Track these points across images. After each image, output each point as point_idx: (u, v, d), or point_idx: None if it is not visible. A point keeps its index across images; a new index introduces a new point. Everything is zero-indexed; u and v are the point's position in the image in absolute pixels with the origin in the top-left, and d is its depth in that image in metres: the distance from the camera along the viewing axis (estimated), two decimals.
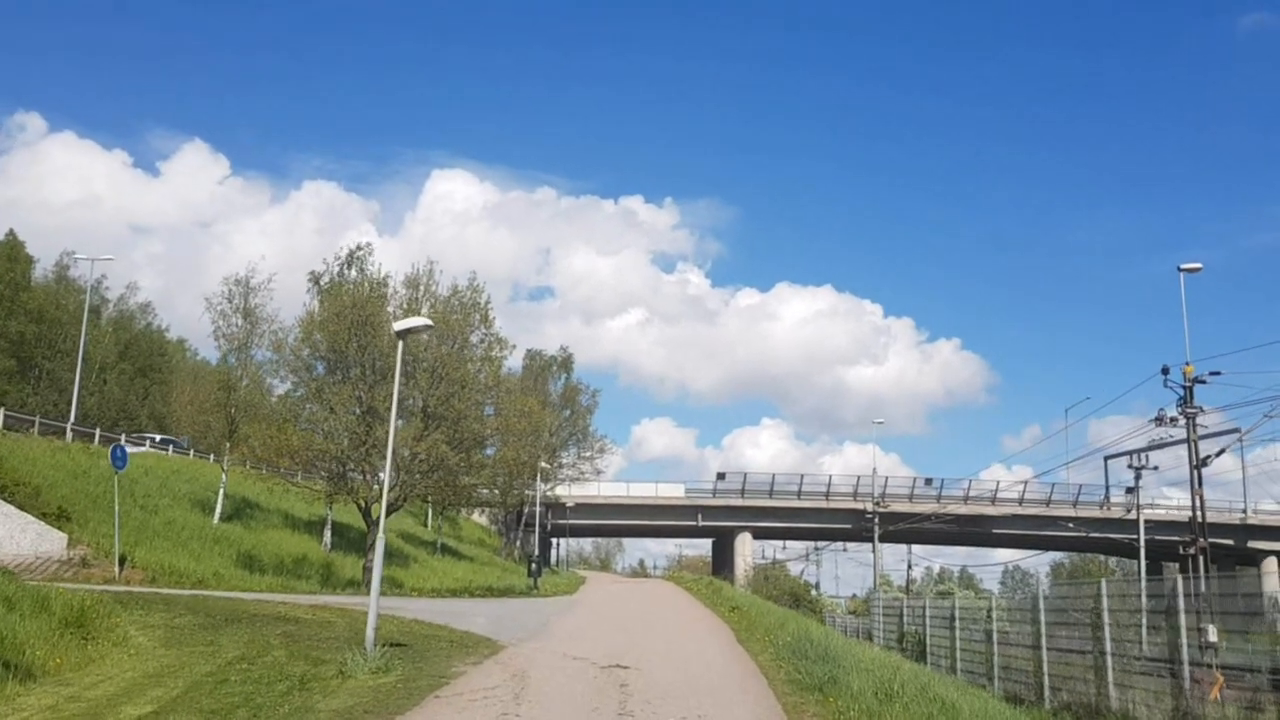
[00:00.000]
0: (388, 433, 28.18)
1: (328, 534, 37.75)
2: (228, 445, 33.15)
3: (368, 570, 28.95)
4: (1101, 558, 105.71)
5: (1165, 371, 28.80)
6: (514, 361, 66.29)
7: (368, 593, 29.23)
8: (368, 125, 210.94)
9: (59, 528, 26.93)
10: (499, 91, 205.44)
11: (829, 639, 17.24)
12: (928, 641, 25.97)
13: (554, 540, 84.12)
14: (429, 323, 14.05)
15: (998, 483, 74.94)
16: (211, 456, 38.76)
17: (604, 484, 71.16)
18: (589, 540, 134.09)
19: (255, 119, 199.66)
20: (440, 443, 27.48)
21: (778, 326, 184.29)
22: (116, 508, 25.59)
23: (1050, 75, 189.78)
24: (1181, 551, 29.98)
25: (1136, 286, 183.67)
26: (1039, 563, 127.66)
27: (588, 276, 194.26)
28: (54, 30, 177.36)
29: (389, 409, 28.75)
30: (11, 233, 71.36)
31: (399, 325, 14.08)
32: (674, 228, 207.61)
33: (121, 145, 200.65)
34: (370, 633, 13.82)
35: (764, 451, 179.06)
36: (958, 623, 23.69)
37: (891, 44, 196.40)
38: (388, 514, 30.55)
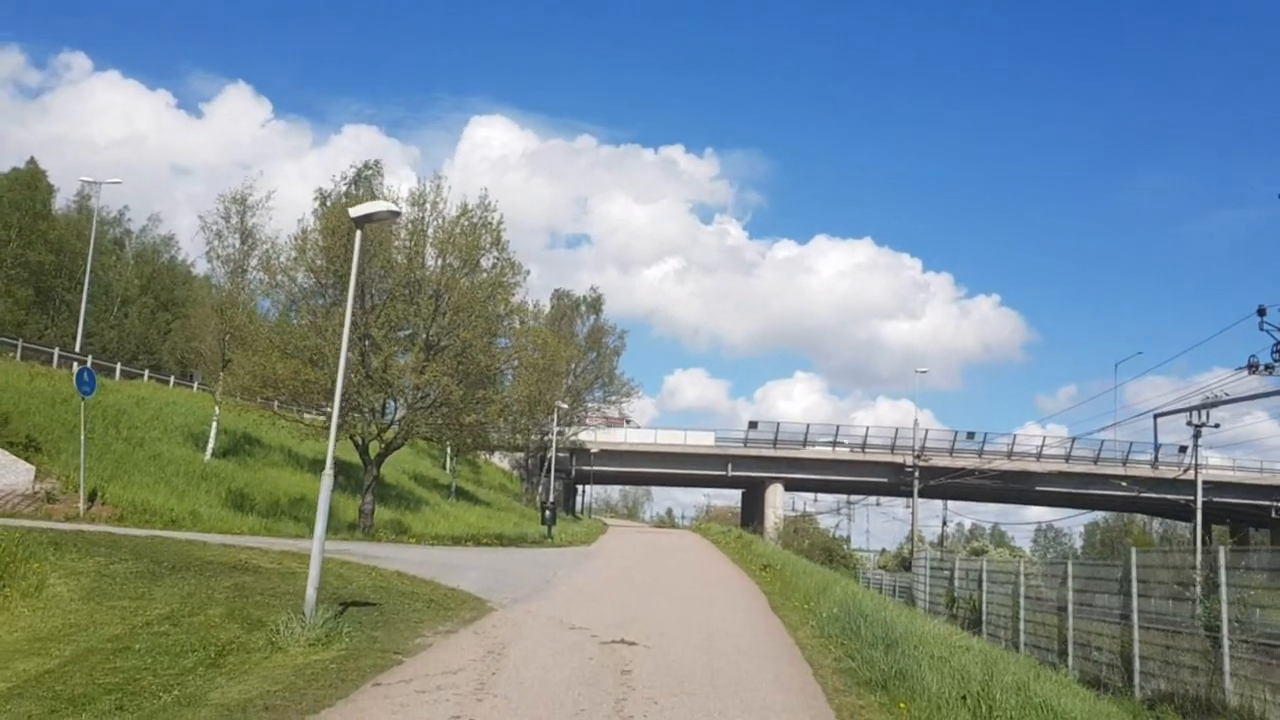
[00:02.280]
0: (385, 363, 25.64)
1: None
2: (221, 375, 30.54)
3: (363, 514, 26.34)
4: (1142, 520, 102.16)
5: (1262, 313, 25.41)
6: (542, 301, 63.71)
7: (364, 538, 26.80)
8: (406, 70, 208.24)
9: (27, 459, 24.47)
10: (540, 38, 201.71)
11: (882, 609, 14.34)
12: (984, 609, 23.03)
13: (579, 487, 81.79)
14: (393, 207, 11.14)
15: (1044, 438, 71.64)
16: (196, 386, 36.24)
17: (631, 430, 68.45)
18: (617, 488, 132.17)
19: (295, 62, 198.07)
20: (443, 375, 24.67)
21: (814, 279, 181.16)
22: (83, 438, 23.08)
23: (1096, 31, 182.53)
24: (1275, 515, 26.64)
25: (1180, 246, 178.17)
26: (1072, 523, 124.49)
27: (624, 224, 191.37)
28: None
29: (388, 335, 26.14)
30: (32, 160, 69.29)
31: (356, 210, 11.18)
32: (714, 178, 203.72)
33: (165, 86, 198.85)
34: (311, 593, 11.07)
35: (796, 404, 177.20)
36: (1022, 588, 20.73)
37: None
38: (388, 452, 28.15)
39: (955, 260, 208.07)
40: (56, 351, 39.49)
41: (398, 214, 11.25)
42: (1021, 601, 20.69)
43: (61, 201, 66.13)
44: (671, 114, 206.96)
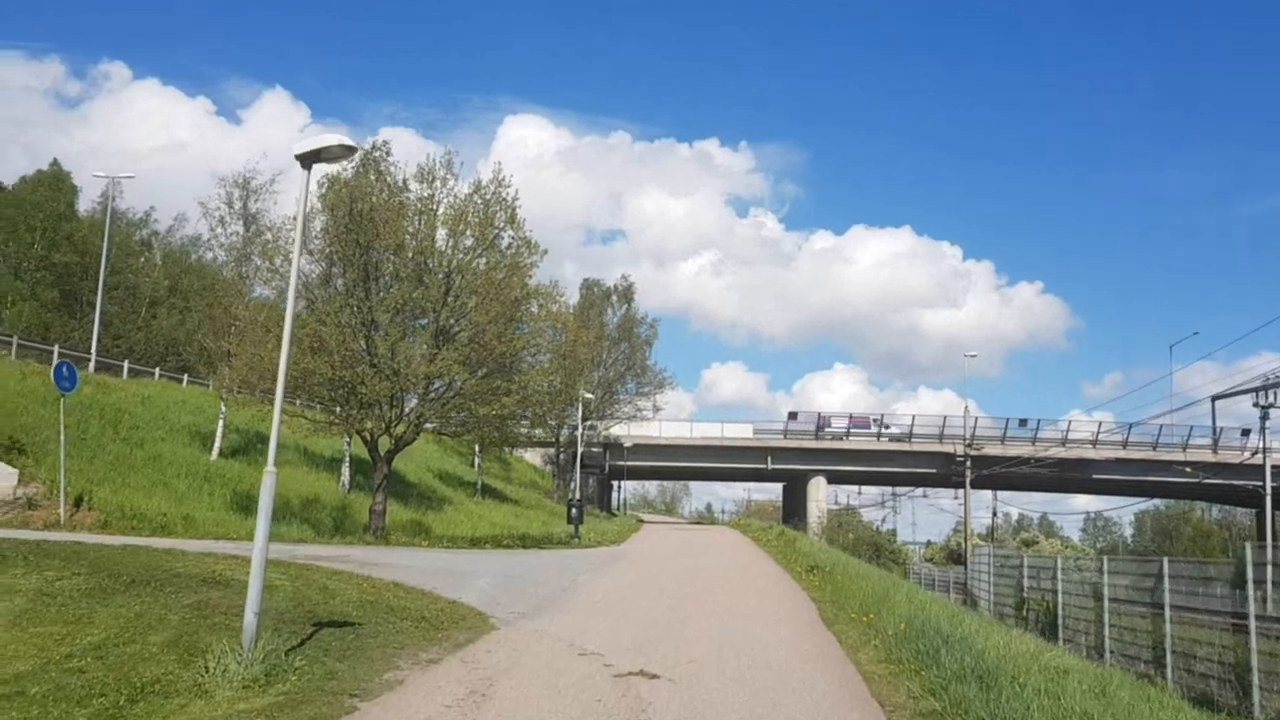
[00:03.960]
0: (392, 349, 23.55)
1: (345, 472, 33.30)
2: (226, 370, 28.67)
3: (374, 514, 24.26)
4: (1201, 507, 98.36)
5: None
6: (571, 293, 61.50)
7: (374, 540, 24.77)
8: (438, 72, 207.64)
9: (9, 462, 22.68)
10: (570, 37, 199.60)
11: (957, 622, 11.99)
12: (1060, 612, 20.54)
13: (613, 483, 79.62)
14: (347, 142, 8.93)
15: (1099, 424, 68.30)
16: (211, 385, 34.43)
17: (665, 423, 66.03)
18: (654, 483, 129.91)
19: (331, 68, 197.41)
20: (454, 363, 22.54)
21: (852, 269, 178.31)
22: (62, 438, 21.22)
23: (1140, 9, 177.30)
24: None
25: (1225, 231, 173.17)
26: (1122, 513, 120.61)
27: (659, 218, 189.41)
28: None
29: (394, 320, 24.06)
30: (55, 162, 68.43)
31: (301, 147, 9.01)
32: (749, 171, 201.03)
33: (204, 93, 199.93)
34: (250, 619, 8.92)
35: (836, 396, 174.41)
36: (1107, 589, 18.26)
37: None
38: (399, 448, 26.06)
39: (996, 248, 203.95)
40: (56, 349, 37.93)
41: (353, 150, 9.08)
42: (1106, 604, 18.23)
43: (89, 205, 65.20)
44: (706, 108, 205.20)
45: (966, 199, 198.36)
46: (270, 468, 9.08)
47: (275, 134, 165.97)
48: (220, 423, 29.84)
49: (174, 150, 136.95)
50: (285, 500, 28.80)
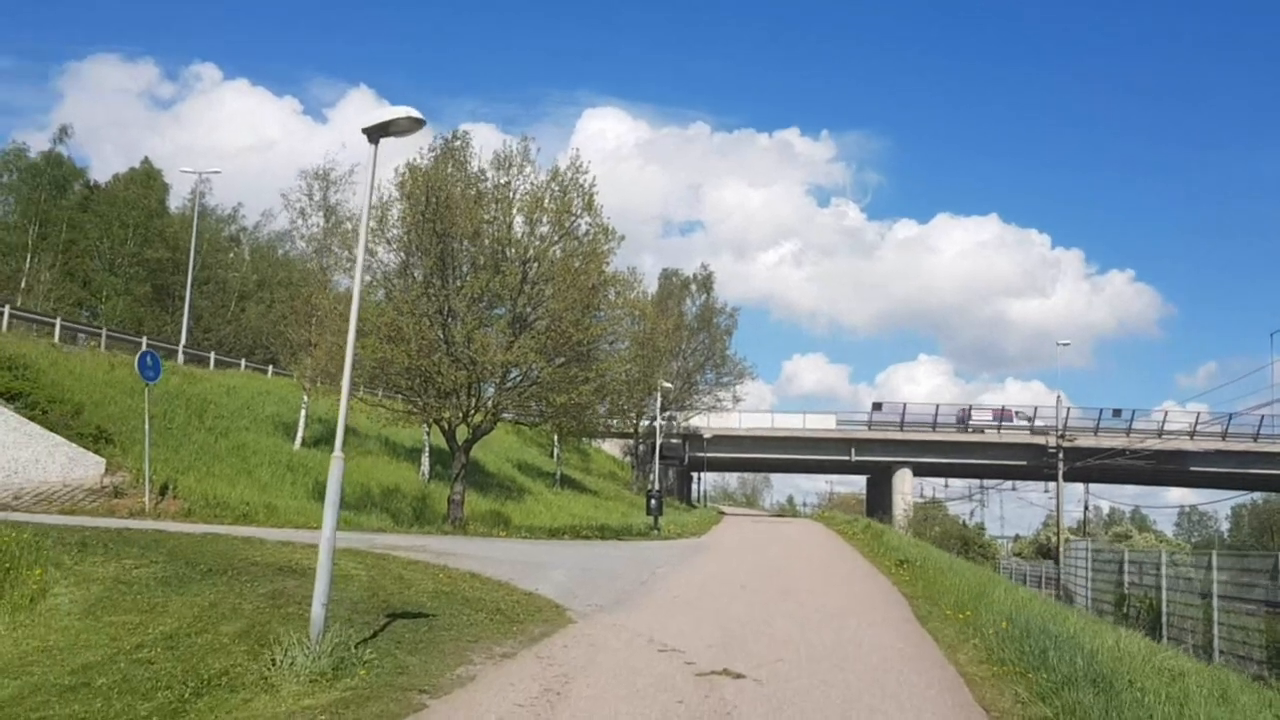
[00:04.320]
0: (468, 337, 23.33)
1: (425, 462, 33.32)
2: (308, 360, 28.82)
3: (452, 504, 24.09)
4: None
5: None
6: (650, 285, 61.04)
7: (452, 530, 24.63)
8: (516, 67, 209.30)
9: (96, 451, 23.01)
10: (646, 28, 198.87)
11: (1063, 622, 11.21)
12: (1164, 609, 19.47)
13: (693, 475, 79.06)
14: (414, 113, 8.55)
15: (1197, 414, 65.65)
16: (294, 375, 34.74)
17: (745, 414, 65.20)
18: (734, 475, 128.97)
19: (409, 65, 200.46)
20: (531, 351, 22.21)
21: (937, 259, 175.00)
22: (147, 427, 21.39)
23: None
24: None
25: None
26: (1218, 506, 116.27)
27: (739, 209, 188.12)
28: None
29: (471, 308, 23.83)
30: (146, 160, 70.37)
31: (369, 120, 8.66)
32: (830, 160, 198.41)
33: (290, 92, 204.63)
34: (317, 610, 8.60)
35: (920, 388, 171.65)
36: (1216, 586, 17.19)
37: None
38: (476, 437, 25.88)
39: (1086, 235, 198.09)
40: (144, 341, 38.68)
41: (421, 122, 8.69)
42: (1216, 601, 17.17)
43: (180, 202, 66.82)
44: (785, 97, 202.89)
45: (1055, 185, 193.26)
46: (337, 453, 8.72)
47: (360, 132, 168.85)
48: (302, 412, 30.04)
49: (262, 149, 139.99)
50: (365, 490, 28.93)
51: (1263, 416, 61.68)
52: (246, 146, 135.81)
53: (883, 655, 9.92)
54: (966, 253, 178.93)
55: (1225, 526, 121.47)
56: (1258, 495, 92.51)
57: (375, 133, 8.72)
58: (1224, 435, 63.69)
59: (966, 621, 11.75)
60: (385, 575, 13.87)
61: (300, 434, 30.01)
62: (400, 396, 25.23)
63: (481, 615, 11.34)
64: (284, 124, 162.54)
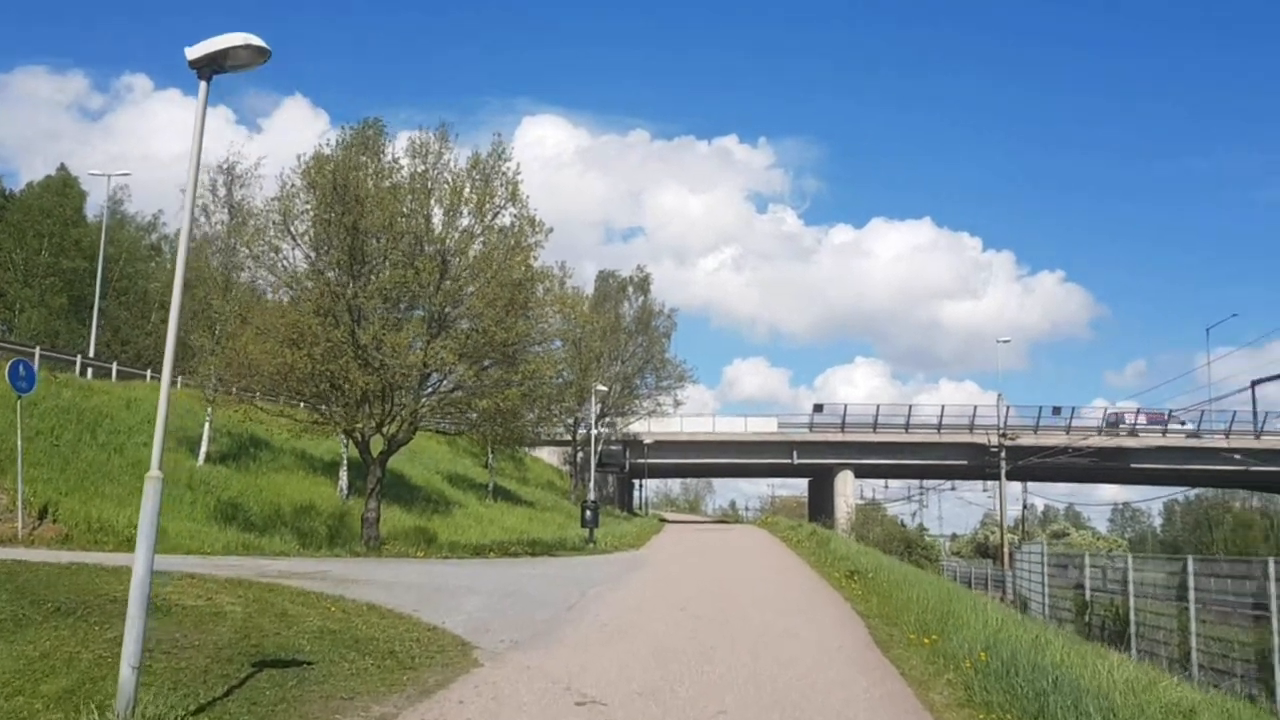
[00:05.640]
0: (378, 338, 21.38)
1: (343, 476, 31.20)
2: (200, 367, 26.64)
3: (366, 523, 22.10)
4: (1242, 496, 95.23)
5: None
6: (585, 284, 59.27)
7: (366, 552, 22.63)
8: (454, 75, 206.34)
9: None
10: (584, 36, 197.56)
11: (1047, 649, 9.69)
12: (1133, 618, 18.19)
13: (634, 482, 77.40)
14: (255, 40, 6.74)
15: (1137, 410, 65.57)
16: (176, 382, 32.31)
17: (687, 419, 63.66)
18: (677, 481, 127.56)
19: (344, 74, 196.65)
20: (448, 352, 20.37)
21: (873, 263, 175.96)
22: (19, 444, 19.16)
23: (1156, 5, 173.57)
24: None
25: (1247, 216, 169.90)
26: (1150, 503, 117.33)
27: (679, 215, 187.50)
28: None
29: (383, 307, 21.90)
30: (62, 167, 67.13)
31: (197, 50, 6.84)
32: (769, 167, 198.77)
33: (224, 103, 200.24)
34: (126, 673, 6.75)
35: (858, 390, 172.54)
36: (1192, 593, 15.93)
37: None
38: (392, 450, 23.91)
39: (1017, 238, 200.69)
40: (37, 351, 35.95)
41: (265, 53, 6.90)
42: (1193, 611, 15.90)
43: (98, 210, 64.00)
44: (723, 105, 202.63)
45: (985, 189, 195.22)
46: (153, 472, 6.87)
47: (295, 141, 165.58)
48: (206, 426, 27.80)
49: (210, 165, 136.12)
50: (276, 509, 26.83)
51: (1202, 413, 61.71)
52: (178, 156, 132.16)
53: (845, 697, 8.30)
54: (901, 256, 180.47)
55: (1158, 522, 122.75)
56: (1191, 491, 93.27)
57: (206, 66, 6.90)
58: (1164, 432, 63.67)
59: (934, 649, 10.21)
60: (266, 611, 11.95)
61: (204, 449, 27.77)
62: (306, 405, 23.18)
63: (369, 661, 9.53)
64: (218, 134, 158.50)
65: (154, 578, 14.61)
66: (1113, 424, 64.57)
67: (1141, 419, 64.35)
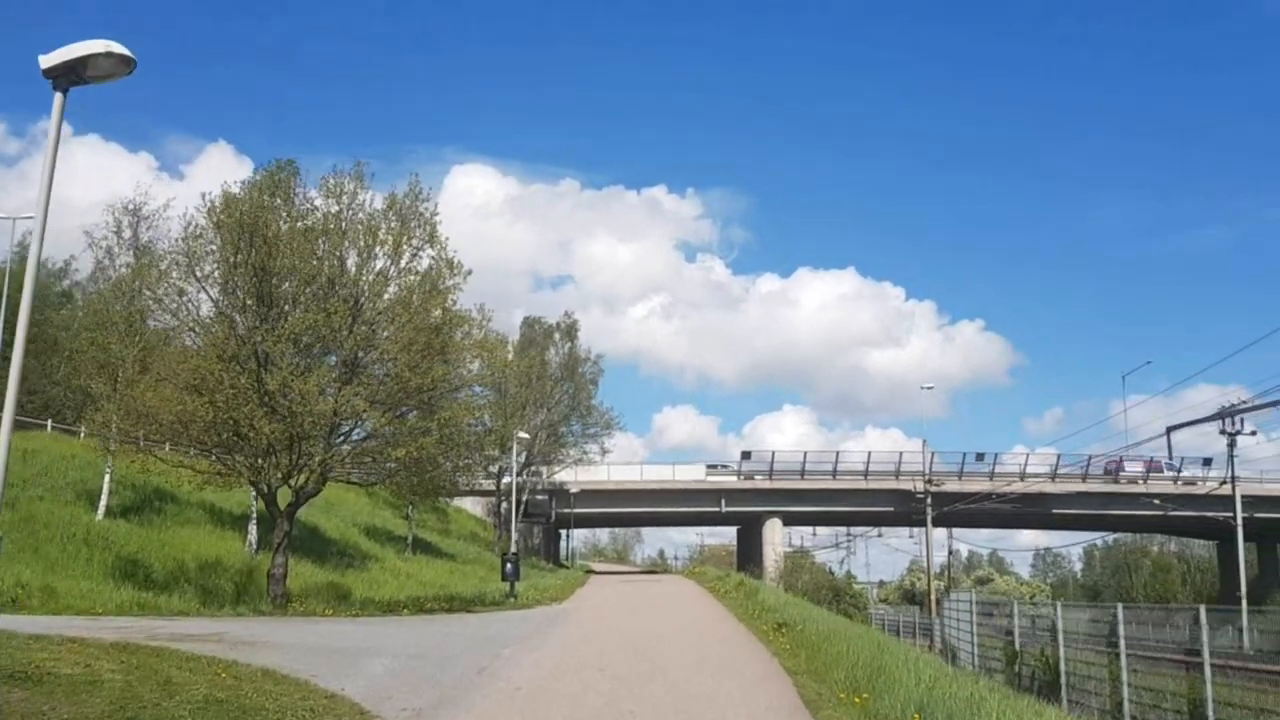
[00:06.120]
0: (284, 385, 20.42)
1: (253, 530, 29.84)
2: (98, 416, 25.33)
3: (273, 579, 20.97)
4: (1160, 540, 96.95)
5: None
6: (512, 331, 58.42)
7: (271, 610, 21.48)
8: (380, 123, 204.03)
9: None
10: (514, 87, 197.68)
11: (982, 708, 9.19)
12: (1063, 668, 17.87)
13: (561, 532, 76.22)
14: (119, 48, 6.08)
15: (1058, 456, 66.53)
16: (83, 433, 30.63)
17: (615, 467, 62.90)
18: (605, 531, 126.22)
19: (268, 120, 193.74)
20: (359, 399, 19.52)
21: (798, 312, 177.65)
22: None
23: (1067, 53, 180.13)
24: None
25: (1161, 264, 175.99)
26: (1070, 548, 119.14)
27: (609, 264, 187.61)
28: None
29: (293, 353, 20.95)
30: None
31: (51, 58, 6.14)
32: (697, 217, 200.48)
33: (145, 148, 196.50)
34: None
35: (786, 436, 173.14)
36: (1123, 642, 15.65)
37: (904, 24, 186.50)
38: (300, 503, 22.79)
39: (937, 287, 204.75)
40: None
41: (130, 62, 6.24)
42: (1124, 661, 15.60)
43: (5, 257, 61.53)
44: (652, 156, 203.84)
45: (906, 240, 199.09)
46: None
47: (218, 187, 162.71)
48: (106, 478, 26.38)
49: (114, 205, 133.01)
50: (180, 565, 25.46)
51: (1121, 458, 62.72)
52: (97, 202, 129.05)
53: None
54: (826, 305, 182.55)
55: (1078, 566, 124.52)
56: (1109, 536, 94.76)
57: (62, 76, 6.20)
58: (1084, 477, 64.58)
59: (865, 710, 9.65)
60: (149, 679, 10.96)
61: (104, 502, 26.32)
62: (212, 455, 22.05)
63: None
64: (138, 180, 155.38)
65: (25, 641, 13.52)
66: (1110, 472, 65.37)
67: (1139, 466, 65.24)
